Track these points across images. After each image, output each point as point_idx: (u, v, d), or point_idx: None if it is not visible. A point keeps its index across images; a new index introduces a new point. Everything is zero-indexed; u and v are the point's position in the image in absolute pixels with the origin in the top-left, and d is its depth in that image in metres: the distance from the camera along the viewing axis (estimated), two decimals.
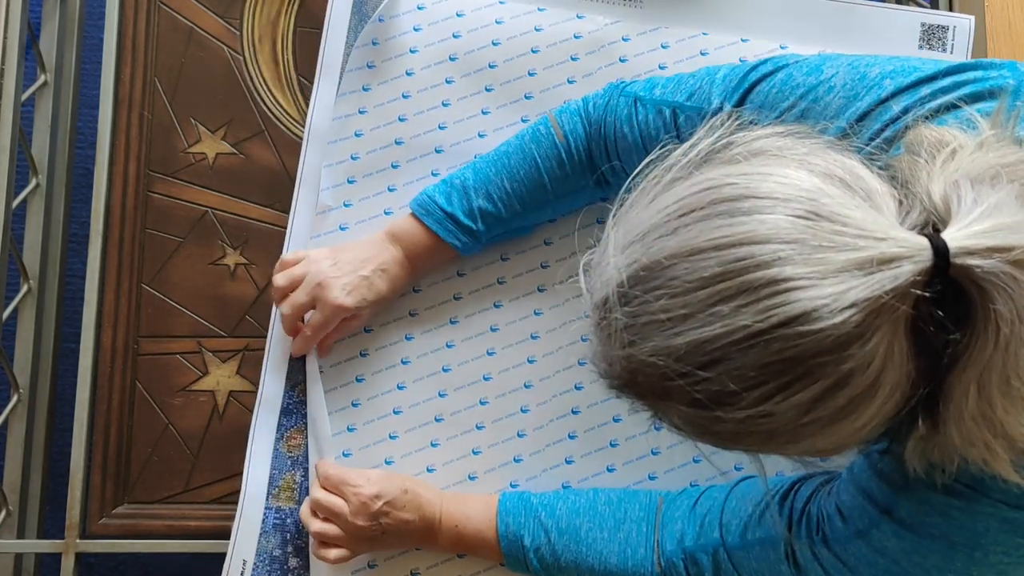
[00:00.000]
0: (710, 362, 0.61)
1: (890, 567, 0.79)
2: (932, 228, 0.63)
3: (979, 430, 0.64)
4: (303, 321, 1.09)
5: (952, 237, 0.60)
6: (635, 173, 0.73)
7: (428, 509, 1.02)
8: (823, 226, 0.60)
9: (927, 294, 0.60)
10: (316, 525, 1.04)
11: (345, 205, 1.15)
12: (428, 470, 1.10)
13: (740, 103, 0.88)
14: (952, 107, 0.75)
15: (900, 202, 0.64)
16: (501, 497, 1.03)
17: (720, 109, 0.88)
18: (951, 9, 1.22)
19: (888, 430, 0.68)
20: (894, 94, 0.78)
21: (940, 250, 0.60)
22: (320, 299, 1.05)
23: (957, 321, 0.62)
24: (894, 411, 0.64)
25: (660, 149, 0.72)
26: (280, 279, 1.08)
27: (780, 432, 0.64)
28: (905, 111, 0.76)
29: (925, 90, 0.77)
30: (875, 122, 0.77)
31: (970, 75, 0.77)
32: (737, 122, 0.72)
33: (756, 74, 0.88)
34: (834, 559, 0.83)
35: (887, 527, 0.78)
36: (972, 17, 1.15)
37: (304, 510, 1.06)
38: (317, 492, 1.05)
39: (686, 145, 0.71)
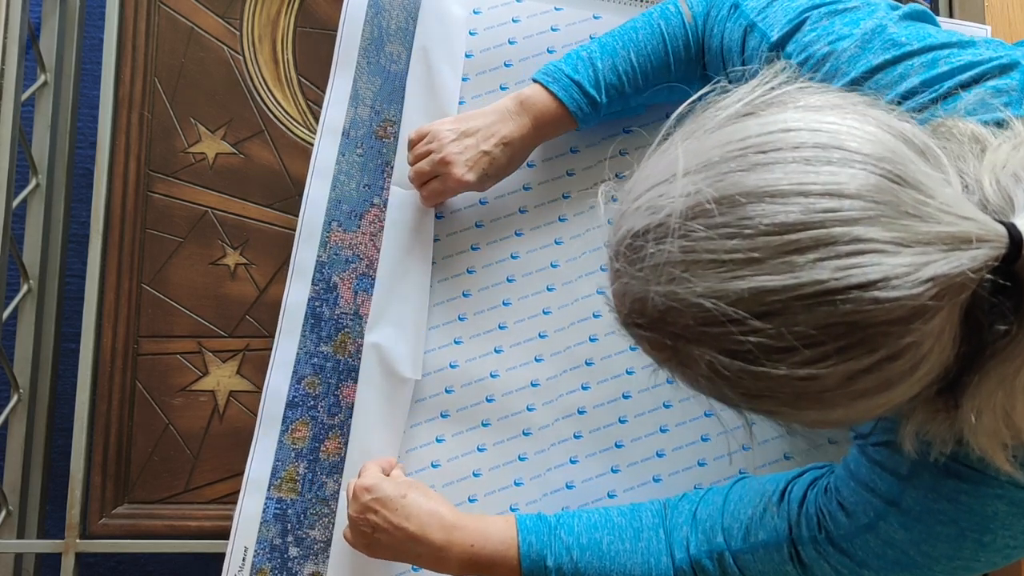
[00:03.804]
0: (767, 313, 0.59)
1: (899, 557, 0.79)
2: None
3: (995, 420, 0.64)
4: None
5: None
6: (690, 100, 0.70)
7: (428, 520, 0.97)
8: (909, 193, 0.59)
9: (1000, 281, 0.60)
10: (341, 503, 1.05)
11: None
12: (433, 465, 1.10)
13: (788, 37, 0.88)
14: (969, 84, 0.75)
15: (965, 185, 0.64)
16: (518, 518, 0.98)
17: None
18: (951, 10, 1.23)
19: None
20: (910, 55, 0.79)
21: (1016, 240, 0.59)
22: (443, 174, 1.07)
23: (1012, 311, 0.61)
24: (917, 393, 0.63)
25: (715, 84, 0.70)
26: (409, 157, 1.10)
27: (810, 396, 0.62)
28: (924, 85, 0.77)
29: (943, 66, 0.77)
30: (889, 87, 0.78)
31: (984, 53, 0.78)
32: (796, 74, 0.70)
33: (811, 11, 0.88)
34: (840, 555, 0.83)
35: (894, 519, 0.78)
36: (989, 28, 1.16)
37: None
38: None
39: (755, 81, 0.68)
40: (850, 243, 0.57)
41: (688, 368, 0.65)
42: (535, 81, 1.08)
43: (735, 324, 0.59)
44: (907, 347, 0.59)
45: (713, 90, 0.69)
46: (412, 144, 1.10)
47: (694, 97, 0.70)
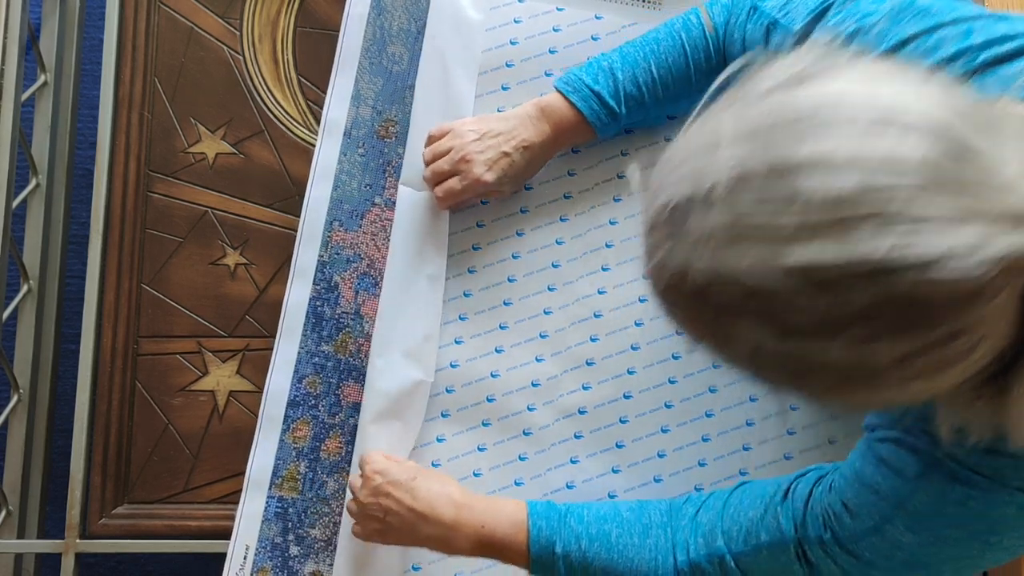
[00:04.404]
0: (818, 288, 0.55)
1: (907, 558, 0.79)
2: None
3: None
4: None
5: None
6: (726, 72, 0.66)
7: (437, 500, 0.98)
8: (970, 169, 0.55)
9: None
10: (347, 499, 1.05)
11: None
12: (433, 464, 1.10)
13: (813, 25, 0.87)
14: (1005, 58, 0.73)
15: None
16: (529, 503, 0.98)
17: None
18: None
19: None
20: (942, 25, 0.77)
21: None
22: (462, 172, 1.07)
23: None
24: (969, 377, 0.60)
25: (753, 56, 0.65)
26: (427, 154, 1.10)
27: (860, 377, 0.59)
28: (959, 55, 0.74)
29: (978, 36, 0.74)
30: (923, 57, 0.75)
31: (1018, 26, 0.75)
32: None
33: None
34: (847, 556, 0.82)
35: (900, 522, 0.78)
36: None
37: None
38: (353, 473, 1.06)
39: (803, 49, 0.63)
40: (909, 218, 0.54)
41: (728, 345, 0.63)
42: (556, 89, 1.08)
43: (783, 298, 0.56)
44: (962, 329, 0.56)
45: (754, 61, 0.65)
46: (431, 140, 1.10)
47: (731, 68, 0.66)
